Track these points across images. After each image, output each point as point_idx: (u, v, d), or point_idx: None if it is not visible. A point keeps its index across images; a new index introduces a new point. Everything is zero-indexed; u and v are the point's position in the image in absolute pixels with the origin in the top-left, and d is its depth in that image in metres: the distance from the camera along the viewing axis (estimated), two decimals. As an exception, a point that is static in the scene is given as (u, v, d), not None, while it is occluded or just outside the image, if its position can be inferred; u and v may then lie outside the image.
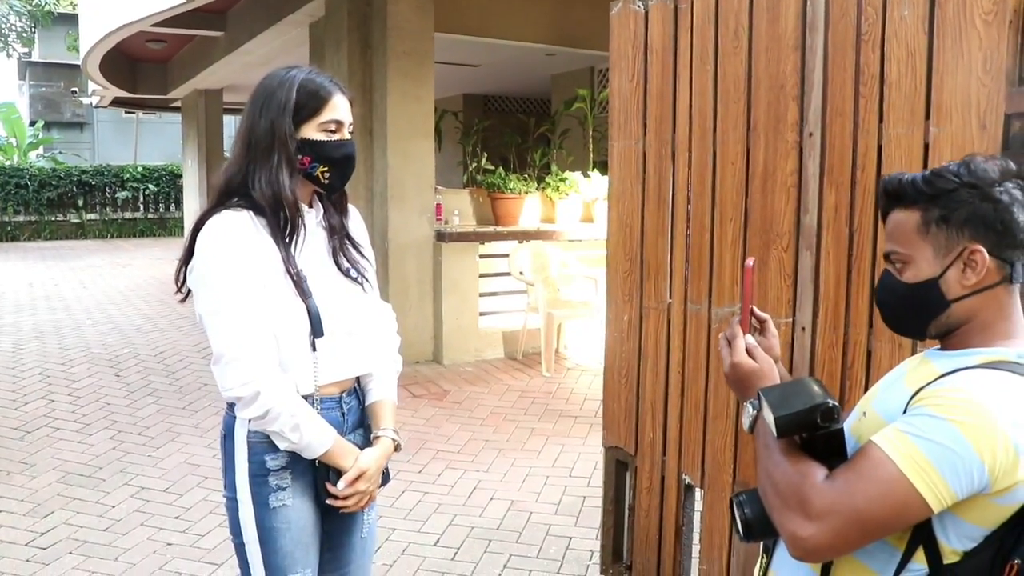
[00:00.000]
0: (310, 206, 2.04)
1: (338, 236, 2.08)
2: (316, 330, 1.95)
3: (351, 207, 2.17)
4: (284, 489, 1.97)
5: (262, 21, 9.25)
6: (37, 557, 3.82)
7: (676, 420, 2.97)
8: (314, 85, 1.95)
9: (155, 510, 4.35)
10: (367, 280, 2.11)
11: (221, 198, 1.95)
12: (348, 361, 2.06)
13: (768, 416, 1.35)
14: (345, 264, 2.07)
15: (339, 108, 1.97)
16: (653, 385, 3.07)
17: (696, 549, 3.03)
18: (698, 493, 3.00)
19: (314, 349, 1.96)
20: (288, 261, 1.93)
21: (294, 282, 1.92)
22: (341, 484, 1.97)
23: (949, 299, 1.38)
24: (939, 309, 1.39)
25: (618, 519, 3.33)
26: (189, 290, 1.96)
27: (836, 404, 1.31)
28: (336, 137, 1.97)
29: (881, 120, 2.27)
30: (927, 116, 2.15)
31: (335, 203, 2.10)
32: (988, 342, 1.38)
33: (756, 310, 1.62)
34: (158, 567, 3.74)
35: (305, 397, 1.96)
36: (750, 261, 1.58)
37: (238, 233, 1.88)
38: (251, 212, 1.92)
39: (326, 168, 1.96)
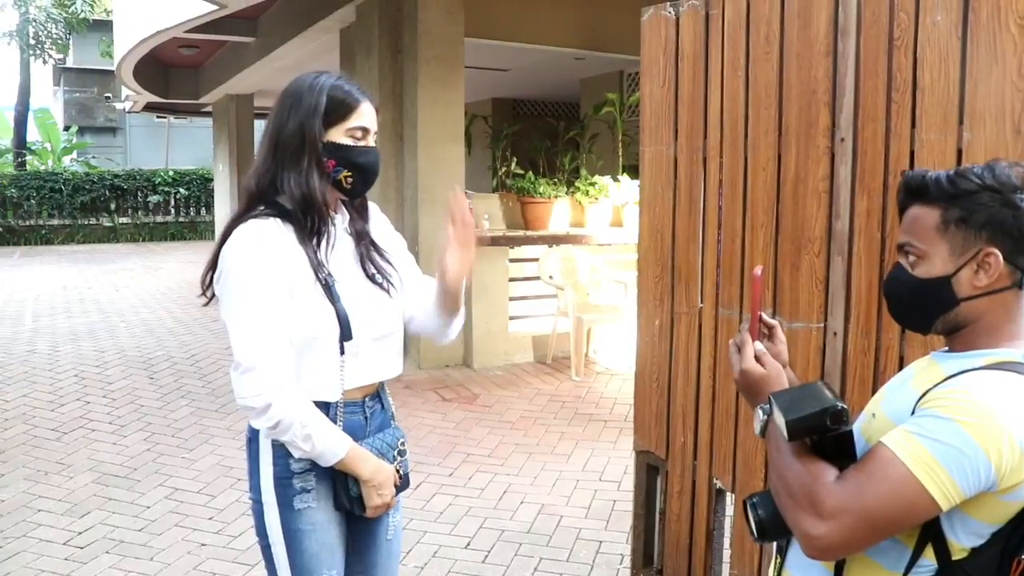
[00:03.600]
0: (335, 212, 2.07)
1: (364, 243, 2.10)
2: (345, 334, 1.96)
3: (371, 205, 2.19)
4: (308, 491, 1.99)
5: (293, 27, 9.32)
6: (75, 556, 3.89)
7: (707, 424, 2.97)
8: (343, 91, 1.98)
9: (189, 511, 4.41)
10: (392, 286, 2.13)
11: (251, 202, 1.98)
12: (374, 366, 2.07)
13: (779, 420, 1.38)
14: (371, 270, 2.08)
15: (366, 116, 2.00)
16: (684, 389, 3.07)
17: (727, 554, 3.04)
18: (729, 498, 3.00)
19: (342, 353, 1.98)
20: (316, 266, 1.95)
21: (323, 286, 1.95)
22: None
23: (959, 298, 1.41)
24: (948, 306, 1.42)
25: (649, 523, 3.33)
26: (214, 295, 1.99)
27: (845, 407, 1.34)
28: (362, 144, 2.00)
29: (913, 125, 2.26)
30: (960, 121, 2.15)
31: (357, 209, 2.13)
32: (994, 344, 1.41)
33: (765, 317, 1.65)
34: (192, 567, 3.79)
35: (330, 404, 1.98)
36: (758, 270, 1.60)
37: (263, 242, 1.90)
38: (279, 219, 1.94)
39: (350, 173, 1.99)
